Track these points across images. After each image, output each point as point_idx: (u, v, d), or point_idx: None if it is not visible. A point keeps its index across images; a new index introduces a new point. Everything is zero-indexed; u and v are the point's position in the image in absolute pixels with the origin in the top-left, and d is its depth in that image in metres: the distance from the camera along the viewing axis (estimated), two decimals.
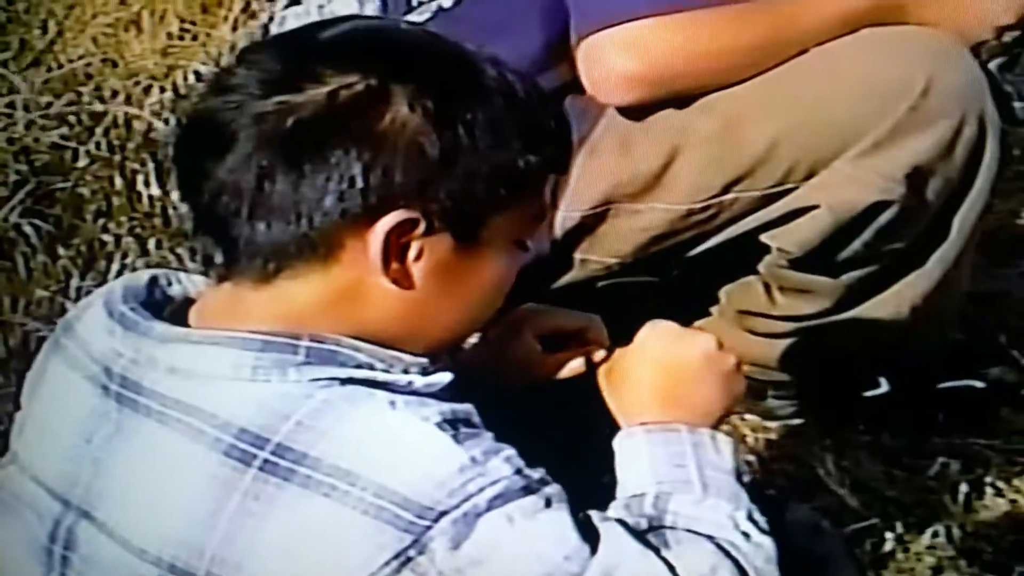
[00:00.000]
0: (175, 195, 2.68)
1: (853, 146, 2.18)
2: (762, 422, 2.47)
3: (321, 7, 2.36)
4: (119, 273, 2.59)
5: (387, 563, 1.24)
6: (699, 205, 2.25)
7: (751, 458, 2.48)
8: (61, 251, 2.66)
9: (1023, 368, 2.65)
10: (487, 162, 1.42)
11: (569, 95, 2.19)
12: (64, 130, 2.92)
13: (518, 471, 1.32)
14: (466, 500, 1.27)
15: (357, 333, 1.40)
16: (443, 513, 1.26)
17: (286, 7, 2.41)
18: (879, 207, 2.20)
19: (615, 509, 1.46)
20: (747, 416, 2.47)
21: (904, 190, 2.19)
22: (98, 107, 2.97)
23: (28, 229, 2.67)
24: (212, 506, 1.29)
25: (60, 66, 3.08)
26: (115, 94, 3.04)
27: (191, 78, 3.08)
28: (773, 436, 2.47)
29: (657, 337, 1.57)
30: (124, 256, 2.65)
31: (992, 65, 2.29)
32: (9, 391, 2.30)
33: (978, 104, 2.20)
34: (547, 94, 1.52)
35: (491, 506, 1.28)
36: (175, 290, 1.49)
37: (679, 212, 2.26)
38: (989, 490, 2.40)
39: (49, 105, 2.95)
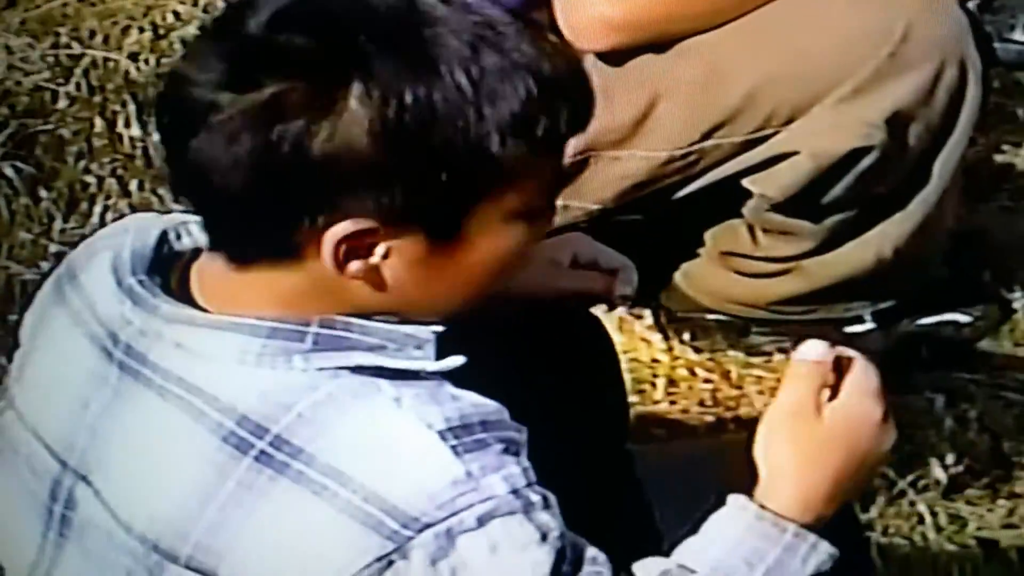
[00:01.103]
0: (156, 136, 2.69)
1: (833, 92, 2.21)
2: (746, 357, 2.50)
3: None
4: (102, 215, 2.63)
5: (368, 566, 1.25)
6: (680, 152, 2.28)
7: (734, 392, 2.50)
8: (43, 193, 2.67)
9: (1006, 302, 2.70)
10: (451, 155, 1.35)
11: None
12: (44, 73, 2.91)
13: (515, 491, 1.29)
14: (453, 515, 1.26)
15: (359, 311, 1.39)
16: (428, 525, 1.26)
17: None
18: (860, 153, 2.23)
19: (654, 564, 1.44)
20: (731, 352, 2.49)
21: (885, 135, 2.22)
22: (77, 49, 2.95)
23: (10, 172, 2.68)
24: (203, 492, 1.30)
25: (37, 7, 3.05)
26: (93, 35, 3.00)
27: (170, 17, 3.04)
28: (757, 372, 2.50)
29: (865, 426, 1.46)
30: (107, 197, 2.67)
31: (970, 5, 2.30)
32: None
33: (959, 48, 2.22)
34: (536, 54, 1.39)
35: (478, 524, 1.27)
36: (185, 243, 1.47)
37: (659, 159, 2.29)
38: (974, 424, 2.44)
39: (29, 47, 2.94)
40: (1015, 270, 2.82)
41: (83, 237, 2.43)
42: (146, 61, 2.95)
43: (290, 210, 1.33)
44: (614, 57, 2.21)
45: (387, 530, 1.25)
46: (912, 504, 2.34)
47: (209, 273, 1.42)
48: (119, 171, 2.76)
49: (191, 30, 2.93)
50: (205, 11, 2.99)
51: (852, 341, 2.39)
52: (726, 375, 2.52)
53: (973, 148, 2.56)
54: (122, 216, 2.43)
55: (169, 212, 1.57)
